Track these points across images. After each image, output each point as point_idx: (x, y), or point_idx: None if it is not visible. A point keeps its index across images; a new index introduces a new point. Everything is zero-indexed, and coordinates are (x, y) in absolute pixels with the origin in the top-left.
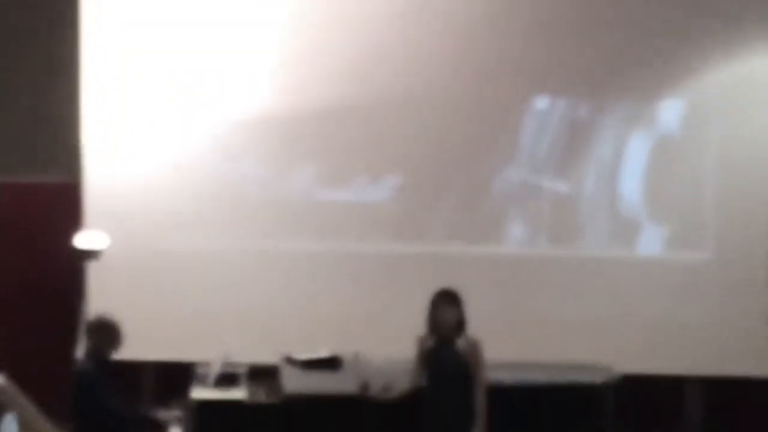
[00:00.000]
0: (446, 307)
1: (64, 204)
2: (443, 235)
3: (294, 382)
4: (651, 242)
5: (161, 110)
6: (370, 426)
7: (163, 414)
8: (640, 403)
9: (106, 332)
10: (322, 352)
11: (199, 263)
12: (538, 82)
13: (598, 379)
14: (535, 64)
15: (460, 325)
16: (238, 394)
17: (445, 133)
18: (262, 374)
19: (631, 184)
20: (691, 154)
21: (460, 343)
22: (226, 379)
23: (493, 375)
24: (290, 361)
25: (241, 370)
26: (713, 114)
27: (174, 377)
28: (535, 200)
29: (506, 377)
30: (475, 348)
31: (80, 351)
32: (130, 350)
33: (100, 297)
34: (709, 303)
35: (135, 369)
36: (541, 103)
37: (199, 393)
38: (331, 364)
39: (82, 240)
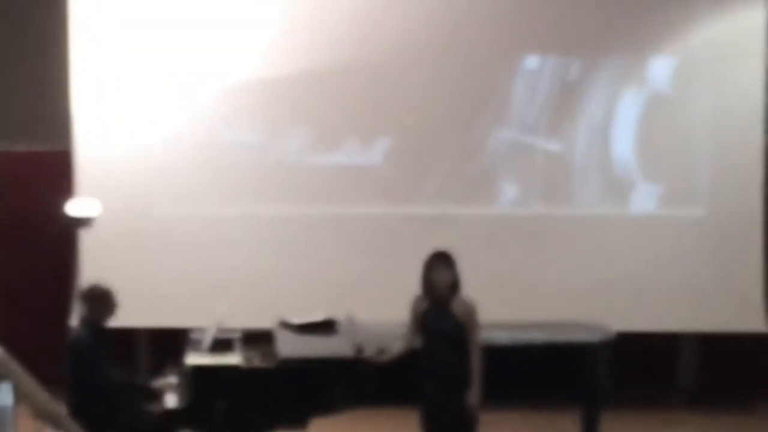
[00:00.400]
0: (440, 269)
1: (56, 172)
2: (436, 196)
3: (289, 347)
4: (644, 200)
5: (152, 77)
6: (366, 389)
7: (157, 382)
8: (635, 361)
9: (100, 300)
10: (317, 316)
11: (191, 229)
12: (528, 42)
13: (593, 337)
14: (524, 24)
15: (454, 287)
16: (232, 359)
17: (436, 95)
18: (257, 339)
19: (624, 142)
20: (683, 111)
21: (455, 304)
22: (221, 344)
23: (487, 335)
24: (285, 326)
25: (236, 335)
26: (704, 69)
27: (168, 343)
28: (527, 160)
29: (501, 337)
30: (469, 309)
31: (74, 319)
32: (124, 317)
33: (93, 264)
34: (703, 259)
35: (129, 336)
36: (532, 62)
37: (194, 359)
38: (325, 327)
39: (74, 207)
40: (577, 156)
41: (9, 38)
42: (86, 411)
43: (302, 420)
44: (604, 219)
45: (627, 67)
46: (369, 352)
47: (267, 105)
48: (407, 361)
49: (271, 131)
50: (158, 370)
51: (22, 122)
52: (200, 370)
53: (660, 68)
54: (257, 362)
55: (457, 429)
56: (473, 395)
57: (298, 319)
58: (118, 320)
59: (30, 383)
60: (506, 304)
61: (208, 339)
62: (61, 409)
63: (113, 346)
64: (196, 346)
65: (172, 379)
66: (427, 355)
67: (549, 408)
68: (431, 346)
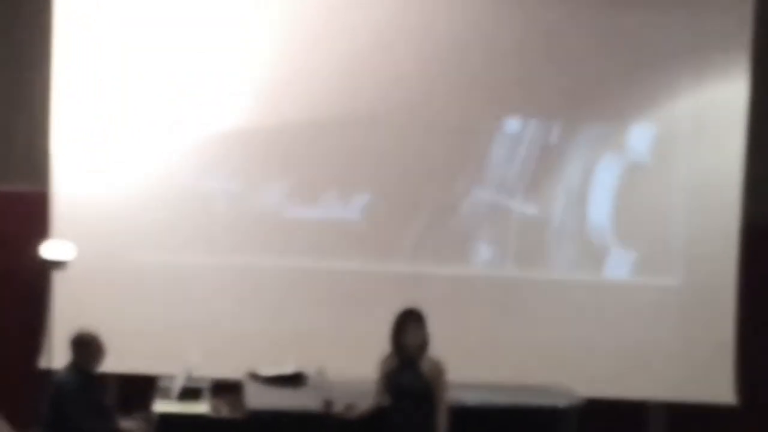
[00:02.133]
0: (410, 328)
1: (32, 213)
2: (411, 253)
3: (257, 398)
4: (618, 266)
5: (132, 121)
6: None
7: (125, 427)
8: (603, 428)
9: (88, 346)
10: (287, 369)
11: (165, 276)
12: (509, 105)
13: (561, 402)
14: (506, 87)
15: (423, 346)
16: (201, 408)
17: (415, 153)
18: (226, 389)
19: (600, 208)
20: (661, 179)
21: (424, 363)
22: (190, 393)
23: (456, 396)
24: (254, 377)
25: (205, 385)
26: (683, 139)
27: (137, 390)
28: (503, 222)
29: (469, 398)
30: (437, 369)
31: (45, 361)
32: None
33: (66, 307)
34: (676, 329)
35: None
36: (512, 125)
37: (162, 406)
38: (295, 380)
39: (48, 250)
40: (553, 220)
41: None
42: None
43: None
44: (578, 284)
45: (607, 134)
46: (338, 407)
47: (246, 155)
48: (375, 418)
49: (250, 182)
50: (126, 416)
51: None
52: (168, 418)
53: (639, 136)
54: (225, 412)
55: None
56: None
57: (268, 371)
58: None
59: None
60: (476, 365)
61: (177, 387)
62: None
63: (102, 391)
64: (165, 393)
65: (139, 426)
66: (395, 413)
67: None
68: (399, 404)
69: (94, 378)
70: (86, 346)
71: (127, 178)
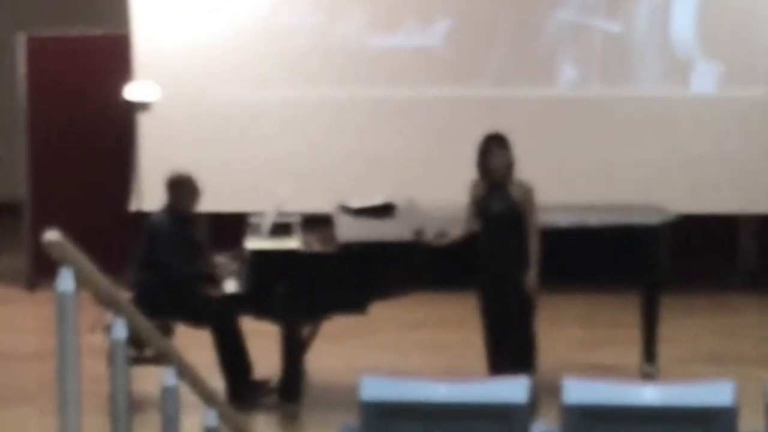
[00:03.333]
0: (495, 152)
1: (114, 56)
2: (495, 77)
3: (348, 230)
4: (704, 80)
5: None
6: (425, 272)
7: (217, 266)
8: (695, 243)
9: (185, 188)
10: (376, 199)
11: (250, 113)
12: None
13: (653, 219)
14: None
15: (509, 169)
16: (292, 243)
17: None
18: (316, 223)
19: (684, 21)
20: None
21: (512, 187)
22: (280, 228)
23: (547, 218)
24: (344, 209)
25: (295, 220)
26: None
27: (228, 228)
28: (586, 41)
29: (560, 220)
30: (526, 191)
31: (134, 204)
32: None
33: (153, 149)
34: (764, 140)
35: None
36: None
37: (253, 243)
38: (385, 210)
39: (132, 92)
40: (636, 36)
41: None
42: (149, 296)
43: (361, 304)
44: (664, 100)
45: None
46: (428, 235)
47: None
48: (466, 244)
49: (330, 13)
50: (217, 255)
51: (78, 5)
52: (259, 255)
53: None
54: (317, 246)
55: (515, 311)
56: (531, 278)
57: (357, 203)
58: None
59: (90, 268)
60: (565, 186)
61: (267, 223)
62: (122, 295)
63: (196, 232)
64: (256, 230)
65: (231, 265)
66: (486, 238)
67: (609, 290)
68: (489, 230)
69: (188, 219)
70: (182, 187)
71: (206, 15)
